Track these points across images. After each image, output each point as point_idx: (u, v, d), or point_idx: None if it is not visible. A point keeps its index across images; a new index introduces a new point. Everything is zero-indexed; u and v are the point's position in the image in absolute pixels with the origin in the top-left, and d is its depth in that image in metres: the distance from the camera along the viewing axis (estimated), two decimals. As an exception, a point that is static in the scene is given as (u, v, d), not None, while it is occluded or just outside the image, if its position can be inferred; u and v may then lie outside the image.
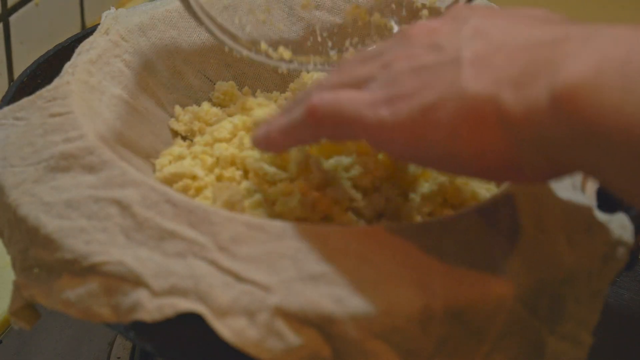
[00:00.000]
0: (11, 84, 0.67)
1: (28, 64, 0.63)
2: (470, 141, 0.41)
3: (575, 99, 0.38)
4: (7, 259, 0.51)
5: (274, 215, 0.53)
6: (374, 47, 0.48)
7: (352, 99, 0.45)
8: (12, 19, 0.88)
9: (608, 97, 0.37)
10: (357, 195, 0.53)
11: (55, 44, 0.65)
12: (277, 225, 0.47)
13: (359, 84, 0.46)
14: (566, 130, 0.38)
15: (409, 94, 0.43)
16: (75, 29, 1.01)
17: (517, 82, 0.40)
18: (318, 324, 0.43)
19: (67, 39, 0.65)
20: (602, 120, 0.37)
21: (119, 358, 0.67)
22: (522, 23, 0.43)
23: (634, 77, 0.37)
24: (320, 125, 0.46)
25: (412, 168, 0.55)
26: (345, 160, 0.54)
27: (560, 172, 0.42)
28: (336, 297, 0.44)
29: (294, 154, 0.55)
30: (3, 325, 0.69)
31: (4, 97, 0.60)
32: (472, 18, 0.44)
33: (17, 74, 0.86)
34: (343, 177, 0.54)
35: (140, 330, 0.48)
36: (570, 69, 0.38)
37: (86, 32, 0.65)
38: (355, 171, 0.54)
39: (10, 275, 0.50)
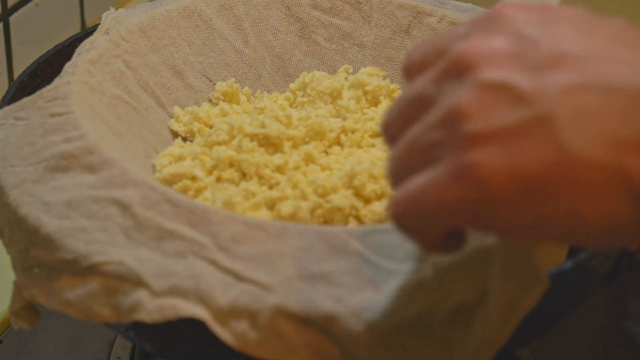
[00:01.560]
0: (11, 84, 0.67)
1: (28, 64, 0.63)
2: (589, 210, 0.35)
3: None
4: (7, 259, 0.51)
5: (272, 218, 0.52)
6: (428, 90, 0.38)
7: (429, 185, 0.37)
8: (12, 19, 0.88)
9: None
10: (359, 203, 0.53)
11: (55, 44, 0.65)
12: (277, 224, 0.47)
13: (430, 158, 0.37)
14: None
15: (497, 164, 0.35)
16: (75, 29, 1.01)
17: None
18: (319, 323, 0.43)
19: (67, 39, 0.65)
20: None
21: (119, 358, 0.67)
22: (619, 45, 0.36)
23: None
24: (406, 229, 0.39)
25: None
26: (347, 167, 0.54)
27: None
28: (336, 296, 0.44)
29: None
30: (3, 325, 0.69)
31: (4, 97, 0.60)
32: (548, 40, 0.36)
33: (17, 74, 0.86)
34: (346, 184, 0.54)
35: (140, 330, 0.48)
36: None
37: (86, 32, 0.65)
38: (358, 180, 0.53)
39: (10, 275, 0.50)
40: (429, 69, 0.39)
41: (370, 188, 0.53)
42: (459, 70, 0.37)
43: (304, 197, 0.53)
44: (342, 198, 0.52)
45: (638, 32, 0.37)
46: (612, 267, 0.52)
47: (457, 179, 0.36)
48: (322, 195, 0.53)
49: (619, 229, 0.35)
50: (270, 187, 0.55)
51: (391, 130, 0.40)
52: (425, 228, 0.38)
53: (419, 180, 0.37)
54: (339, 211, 0.52)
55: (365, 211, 0.52)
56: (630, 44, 0.36)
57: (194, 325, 0.44)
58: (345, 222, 0.52)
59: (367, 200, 0.53)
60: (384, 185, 0.53)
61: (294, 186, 0.54)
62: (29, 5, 0.91)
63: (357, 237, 0.46)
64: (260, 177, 0.56)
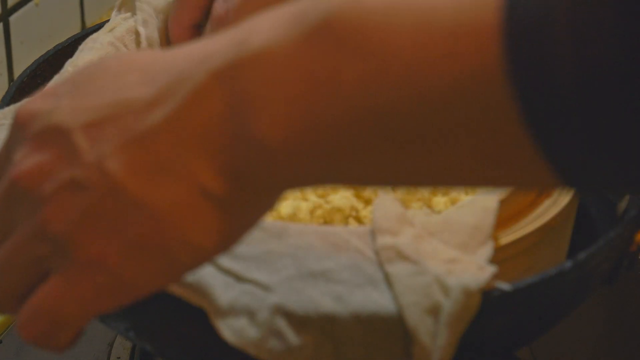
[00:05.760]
0: (11, 84, 0.67)
1: (28, 64, 0.63)
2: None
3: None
4: (7, 258, 0.51)
5: (272, 218, 0.52)
6: None
7: (54, 297, 0.39)
8: (12, 19, 0.88)
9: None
10: (359, 205, 0.53)
11: (55, 44, 0.65)
12: (277, 224, 0.47)
13: (40, 270, 0.39)
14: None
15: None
16: (75, 29, 1.01)
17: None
18: (319, 323, 0.43)
19: (67, 39, 0.65)
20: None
21: (118, 358, 0.67)
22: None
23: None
24: (40, 342, 0.41)
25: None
26: None
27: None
28: (336, 294, 0.44)
29: None
30: (3, 325, 0.69)
31: (4, 97, 0.60)
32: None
33: (17, 74, 0.86)
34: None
35: (140, 330, 0.48)
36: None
37: (86, 32, 0.65)
38: None
39: (10, 275, 0.50)
40: None
41: (371, 190, 0.53)
42: (22, 193, 0.39)
43: (304, 197, 0.53)
44: (342, 199, 0.52)
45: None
46: (612, 267, 0.52)
47: (84, 272, 0.38)
48: (322, 195, 0.53)
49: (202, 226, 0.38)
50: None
51: None
52: (63, 329, 0.40)
53: (43, 292, 0.39)
54: (339, 212, 0.52)
55: (365, 212, 0.52)
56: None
57: (193, 325, 0.44)
58: (345, 223, 0.52)
59: (367, 202, 0.53)
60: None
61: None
62: (29, 5, 0.91)
63: (358, 236, 0.46)
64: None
